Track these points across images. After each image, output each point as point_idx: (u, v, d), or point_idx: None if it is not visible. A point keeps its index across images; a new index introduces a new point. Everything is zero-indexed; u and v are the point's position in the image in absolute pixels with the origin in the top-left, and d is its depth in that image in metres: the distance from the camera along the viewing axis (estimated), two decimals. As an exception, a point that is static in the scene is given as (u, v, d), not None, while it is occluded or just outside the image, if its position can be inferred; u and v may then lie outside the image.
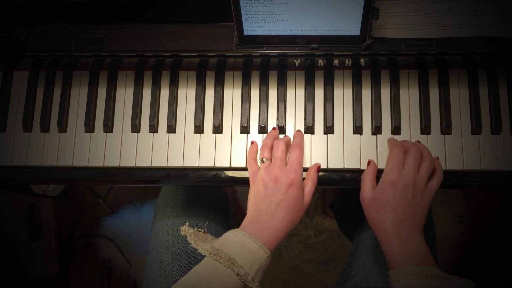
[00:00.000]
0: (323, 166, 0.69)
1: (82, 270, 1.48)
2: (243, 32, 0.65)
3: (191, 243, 0.60)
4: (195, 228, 0.62)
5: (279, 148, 0.66)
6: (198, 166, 0.71)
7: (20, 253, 1.32)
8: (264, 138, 0.71)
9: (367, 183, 0.65)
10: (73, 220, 1.49)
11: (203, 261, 0.59)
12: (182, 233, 0.62)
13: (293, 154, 0.66)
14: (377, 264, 0.75)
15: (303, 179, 0.67)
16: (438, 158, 0.68)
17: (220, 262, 0.56)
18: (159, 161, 0.71)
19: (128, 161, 0.71)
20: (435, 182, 0.64)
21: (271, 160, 0.66)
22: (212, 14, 0.69)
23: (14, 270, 1.29)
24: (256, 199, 0.64)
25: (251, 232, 0.61)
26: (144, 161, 0.71)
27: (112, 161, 0.71)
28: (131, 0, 0.69)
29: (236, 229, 0.62)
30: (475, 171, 0.68)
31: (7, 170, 0.73)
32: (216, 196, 0.90)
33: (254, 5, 0.61)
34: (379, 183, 0.64)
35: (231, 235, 0.60)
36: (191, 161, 0.71)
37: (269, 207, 0.63)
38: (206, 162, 0.71)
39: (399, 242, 0.60)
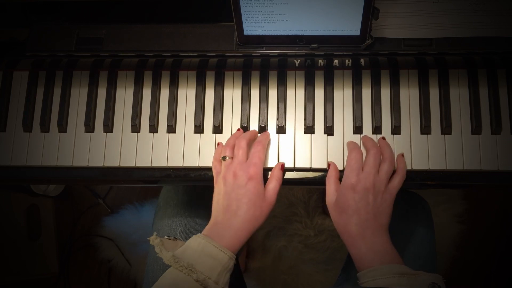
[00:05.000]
0: (323, 166, 0.69)
1: (82, 270, 1.48)
2: (243, 32, 0.65)
3: (157, 253, 0.60)
4: (165, 236, 0.63)
5: (240, 145, 0.66)
6: (198, 166, 0.71)
7: (20, 253, 1.32)
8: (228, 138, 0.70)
9: (331, 186, 0.66)
10: (73, 220, 1.49)
11: (167, 270, 0.59)
12: (151, 243, 0.62)
13: (253, 150, 0.66)
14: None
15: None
16: (402, 155, 0.68)
17: (180, 270, 0.57)
18: (159, 161, 0.71)
19: (128, 161, 0.71)
20: (397, 182, 0.64)
21: (232, 158, 0.66)
22: (212, 14, 0.69)
23: (14, 270, 1.29)
24: (218, 198, 0.65)
25: (212, 235, 0.61)
26: (144, 161, 0.71)
27: (112, 161, 0.71)
28: (131, 0, 0.69)
29: (199, 234, 0.62)
30: (475, 171, 0.68)
31: (7, 170, 0.73)
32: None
33: (254, 5, 0.61)
34: (339, 187, 0.64)
35: (192, 241, 0.61)
36: (191, 161, 0.71)
37: (230, 205, 0.63)
38: (206, 162, 0.71)
39: (365, 243, 0.61)
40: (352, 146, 0.67)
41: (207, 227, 0.64)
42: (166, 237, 0.63)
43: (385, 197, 0.63)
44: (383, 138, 0.69)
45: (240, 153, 0.66)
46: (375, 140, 0.69)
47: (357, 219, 0.61)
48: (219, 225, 0.63)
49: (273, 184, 0.66)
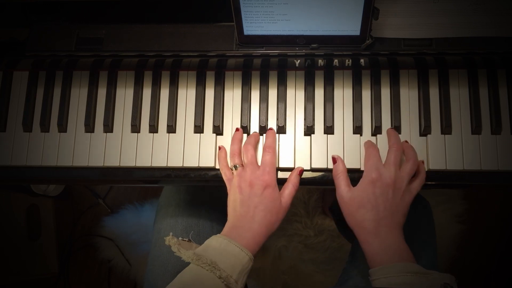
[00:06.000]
0: (323, 166, 0.69)
1: (82, 270, 1.48)
2: (243, 32, 0.65)
3: (175, 252, 0.61)
4: (179, 238, 0.63)
5: (249, 153, 0.67)
6: (198, 166, 0.71)
7: (20, 253, 1.32)
8: (230, 143, 0.70)
9: (341, 181, 0.65)
10: (73, 220, 1.49)
11: (186, 268, 0.60)
12: (166, 243, 0.62)
13: (266, 157, 0.67)
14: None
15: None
16: (423, 162, 0.68)
17: (202, 267, 0.57)
18: (159, 161, 0.71)
19: (128, 161, 0.71)
20: (417, 184, 0.64)
21: (242, 165, 0.67)
22: (212, 14, 0.69)
23: (14, 270, 1.29)
24: (234, 205, 0.65)
25: (232, 236, 0.62)
26: (144, 161, 0.71)
27: (112, 161, 0.71)
28: (131, 0, 0.69)
29: (218, 234, 0.63)
30: (475, 171, 0.68)
31: (7, 170, 0.73)
32: (218, 196, 0.90)
33: (254, 5, 0.61)
34: (360, 181, 0.64)
35: (213, 241, 0.61)
36: (191, 161, 0.71)
37: (248, 211, 0.63)
38: (206, 162, 0.71)
39: (379, 241, 0.60)
40: (369, 143, 0.67)
41: (225, 229, 0.64)
42: (180, 238, 0.64)
43: (405, 196, 0.63)
44: (406, 141, 0.68)
45: (250, 160, 0.66)
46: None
47: (375, 215, 0.61)
48: (238, 228, 0.63)
49: (289, 189, 0.67)
